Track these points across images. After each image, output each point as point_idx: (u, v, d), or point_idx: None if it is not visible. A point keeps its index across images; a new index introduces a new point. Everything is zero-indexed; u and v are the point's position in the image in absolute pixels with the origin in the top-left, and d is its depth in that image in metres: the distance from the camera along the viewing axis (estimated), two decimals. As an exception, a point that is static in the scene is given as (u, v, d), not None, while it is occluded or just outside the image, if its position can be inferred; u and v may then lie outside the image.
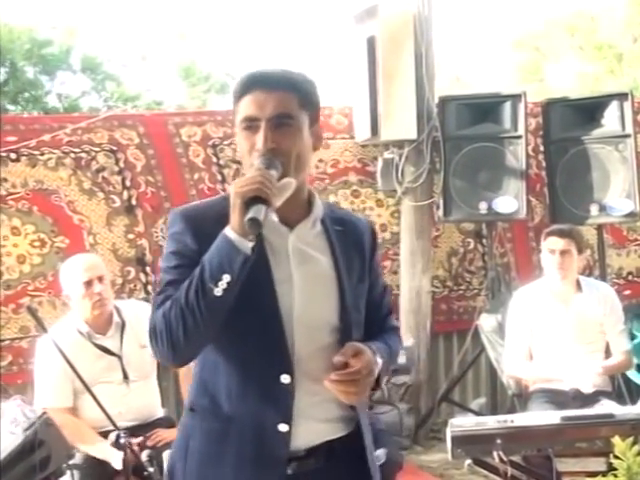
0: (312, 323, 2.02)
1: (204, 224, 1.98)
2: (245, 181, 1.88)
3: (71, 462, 3.18)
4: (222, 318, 1.91)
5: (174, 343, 1.90)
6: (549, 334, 4.25)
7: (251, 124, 2.00)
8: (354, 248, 2.12)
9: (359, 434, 2.10)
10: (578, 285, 4.30)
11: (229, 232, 1.87)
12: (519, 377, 4.40)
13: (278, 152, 1.96)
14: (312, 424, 2.03)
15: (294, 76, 2.06)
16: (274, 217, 1.99)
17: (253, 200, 1.85)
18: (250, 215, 1.83)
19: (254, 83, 2.02)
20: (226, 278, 1.85)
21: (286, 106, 2.00)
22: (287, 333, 1.99)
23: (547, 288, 4.31)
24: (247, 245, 1.87)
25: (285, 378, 1.98)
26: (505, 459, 3.18)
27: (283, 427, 1.99)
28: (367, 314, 2.14)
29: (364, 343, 2.03)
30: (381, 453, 3.59)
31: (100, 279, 3.80)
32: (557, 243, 4.23)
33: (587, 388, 4.06)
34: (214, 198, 2.12)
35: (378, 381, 2.06)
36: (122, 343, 3.86)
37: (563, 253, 4.21)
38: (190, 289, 1.87)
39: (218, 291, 1.86)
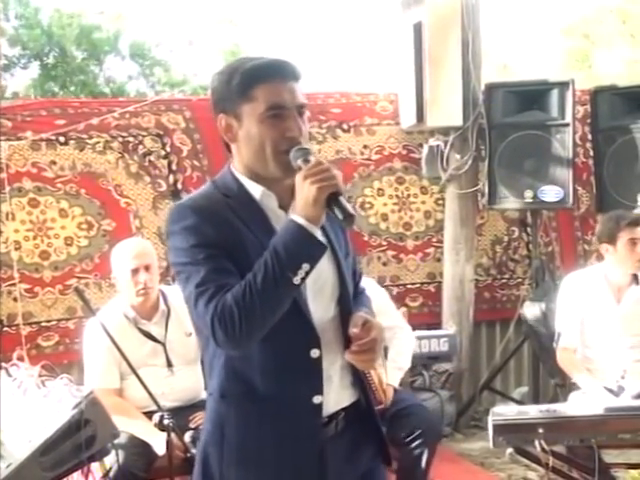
0: (323, 298, 2.12)
1: (215, 214, 2.03)
2: (321, 176, 1.94)
3: (116, 441, 3.22)
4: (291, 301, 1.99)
5: (251, 327, 1.95)
6: (597, 323, 4.21)
7: (279, 112, 2.04)
8: (337, 224, 2.16)
9: (366, 399, 2.23)
10: (635, 278, 4.25)
11: (305, 223, 1.93)
12: (568, 370, 4.32)
13: (300, 140, 2.05)
14: (336, 391, 2.14)
15: (296, 65, 2.11)
16: (273, 202, 2.10)
17: (332, 194, 1.94)
18: (349, 211, 1.94)
19: (270, 72, 2.05)
20: (305, 267, 1.93)
21: (302, 96, 2.09)
22: (307, 309, 2.08)
23: (602, 276, 4.26)
24: (321, 236, 1.97)
25: (315, 352, 2.08)
26: (547, 449, 3.16)
27: (317, 399, 2.09)
28: None
29: (360, 311, 2.16)
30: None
31: (147, 268, 3.85)
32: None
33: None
34: (205, 188, 2.16)
35: None
36: (167, 331, 3.91)
37: None
38: (267, 277, 1.92)
39: (297, 280, 1.93)
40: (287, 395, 2.07)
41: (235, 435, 2.09)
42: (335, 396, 2.14)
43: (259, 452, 2.08)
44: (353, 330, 2.07)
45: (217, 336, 1.96)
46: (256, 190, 2.10)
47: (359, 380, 2.20)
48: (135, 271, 3.83)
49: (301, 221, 1.94)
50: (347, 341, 2.10)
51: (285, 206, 2.10)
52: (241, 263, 1.99)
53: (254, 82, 2.04)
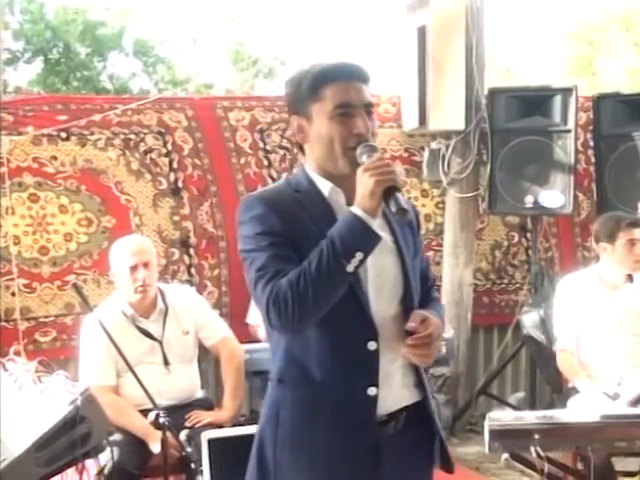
0: (384, 294, 2.18)
1: (283, 206, 2.14)
2: (380, 170, 2.03)
3: (111, 439, 3.22)
4: (345, 290, 2.06)
5: (303, 311, 2.03)
6: (595, 323, 4.19)
7: (347, 110, 2.14)
8: (406, 225, 2.27)
9: (426, 401, 2.27)
10: (629, 276, 4.24)
11: (361, 214, 2.02)
12: (567, 373, 4.30)
13: (368, 136, 2.14)
14: (394, 390, 2.19)
15: (364, 67, 2.21)
16: (341, 198, 2.18)
17: (389, 188, 2.03)
18: (402, 205, 2.03)
19: (338, 73, 2.16)
20: (359, 256, 2.01)
21: (370, 96, 2.18)
22: (367, 302, 2.14)
23: (596, 276, 4.26)
24: (376, 227, 2.05)
25: (372, 345, 2.14)
26: (542, 455, 3.16)
27: (372, 391, 2.14)
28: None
29: (424, 310, 2.21)
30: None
31: (146, 265, 3.84)
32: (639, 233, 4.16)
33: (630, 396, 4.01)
34: (278, 183, 2.29)
35: None
36: (164, 329, 3.91)
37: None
38: (321, 263, 2.01)
39: (350, 267, 2.01)
40: (341, 384, 2.13)
41: (290, 418, 2.16)
42: (395, 394, 2.20)
43: (312, 436, 2.14)
44: (410, 324, 2.14)
45: (271, 318, 2.06)
46: (325, 186, 2.19)
47: (422, 382, 2.26)
48: (134, 268, 3.82)
49: (358, 212, 2.02)
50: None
51: (352, 203, 2.14)
52: (304, 255, 2.06)
53: (322, 82, 2.15)
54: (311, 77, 2.16)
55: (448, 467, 2.35)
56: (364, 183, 2.03)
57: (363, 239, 2.02)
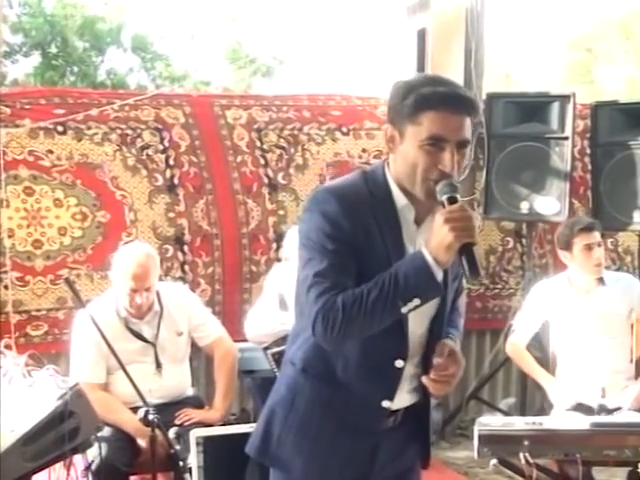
0: (420, 316, 2.20)
1: (356, 206, 2.12)
2: (461, 224, 2.00)
3: (99, 434, 3.20)
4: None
5: (348, 333, 2.08)
6: (571, 329, 4.20)
7: (437, 143, 2.08)
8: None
9: (424, 402, 2.34)
10: (600, 279, 4.21)
11: (431, 263, 2.02)
12: (521, 364, 4.40)
13: (452, 174, 2.10)
14: (401, 395, 2.27)
15: (474, 100, 2.16)
16: (411, 215, 2.17)
17: (466, 244, 2.01)
18: (477, 266, 2.02)
19: (442, 102, 2.08)
20: (416, 302, 2.04)
21: (468, 132, 2.12)
22: (407, 323, 2.18)
23: (567, 282, 4.25)
24: (441, 278, 2.04)
25: (399, 363, 2.21)
26: (531, 461, 3.16)
27: (386, 403, 2.23)
28: None
29: (450, 334, 2.30)
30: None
31: (148, 289, 3.80)
32: (596, 237, 4.16)
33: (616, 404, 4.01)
34: (354, 177, 2.23)
35: None
36: (158, 331, 3.88)
37: (599, 245, 4.17)
38: (379, 298, 2.03)
39: (405, 309, 2.05)
40: (361, 391, 2.20)
41: (304, 406, 2.24)
42: (400, 399, 2.27)
43: (320, 429, 2.23)
44: (437, 360, 2.18)
45: (316, 329, 2.08)
46: (400, 199, 2.17)
47: (422, 387, 2.29)
48: (134, 291, 3.78)
49: (429, 259, 2.02)
50: (426, 357, 2.24)
51: (419, 221, 2.18)
52: (362, 264, 2.10)
53: (424, 107, 2.08)
54: (415, 97, 2.09)
55: (424, 466, 2.42)
56: (443, 234, 2.00)
57: (425, 289, 2.04)
